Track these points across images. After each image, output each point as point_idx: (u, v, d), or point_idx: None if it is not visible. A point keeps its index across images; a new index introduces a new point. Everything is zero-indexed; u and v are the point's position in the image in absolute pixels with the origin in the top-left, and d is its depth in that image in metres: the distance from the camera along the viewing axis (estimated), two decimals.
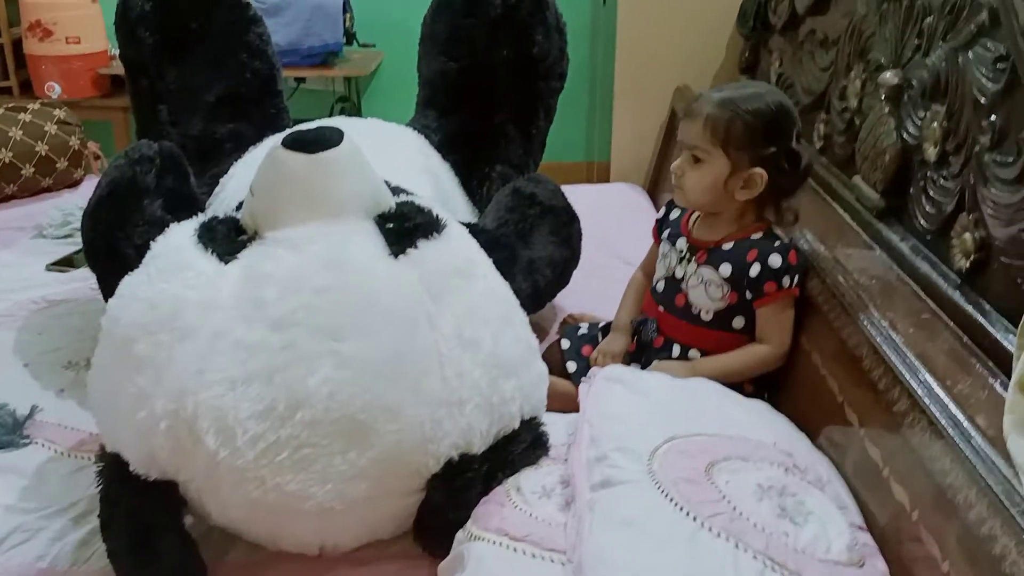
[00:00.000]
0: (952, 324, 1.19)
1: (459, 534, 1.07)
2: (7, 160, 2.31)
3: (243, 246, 1.09)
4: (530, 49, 1.71)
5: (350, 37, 3.34)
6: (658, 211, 1.67)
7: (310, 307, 1.01)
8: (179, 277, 1.04)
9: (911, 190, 1.41)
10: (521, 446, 1.15)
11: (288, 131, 1.16)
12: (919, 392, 1.04)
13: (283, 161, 1.09)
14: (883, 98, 1.47)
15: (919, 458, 1.00)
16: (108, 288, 1.16)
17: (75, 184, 2.48)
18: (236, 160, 1.70)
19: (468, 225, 1.31)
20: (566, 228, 1.58)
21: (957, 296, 1.21)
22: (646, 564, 0.93)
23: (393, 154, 1.59)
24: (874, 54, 1.59)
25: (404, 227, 1.11)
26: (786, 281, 1.35)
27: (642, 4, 2.44)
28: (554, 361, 1.54)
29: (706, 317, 1.41)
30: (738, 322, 1.40)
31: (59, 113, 2.45)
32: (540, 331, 1.71)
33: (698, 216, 1.47)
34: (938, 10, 1.35)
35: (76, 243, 2.01)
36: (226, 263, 1.06)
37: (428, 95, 1.83)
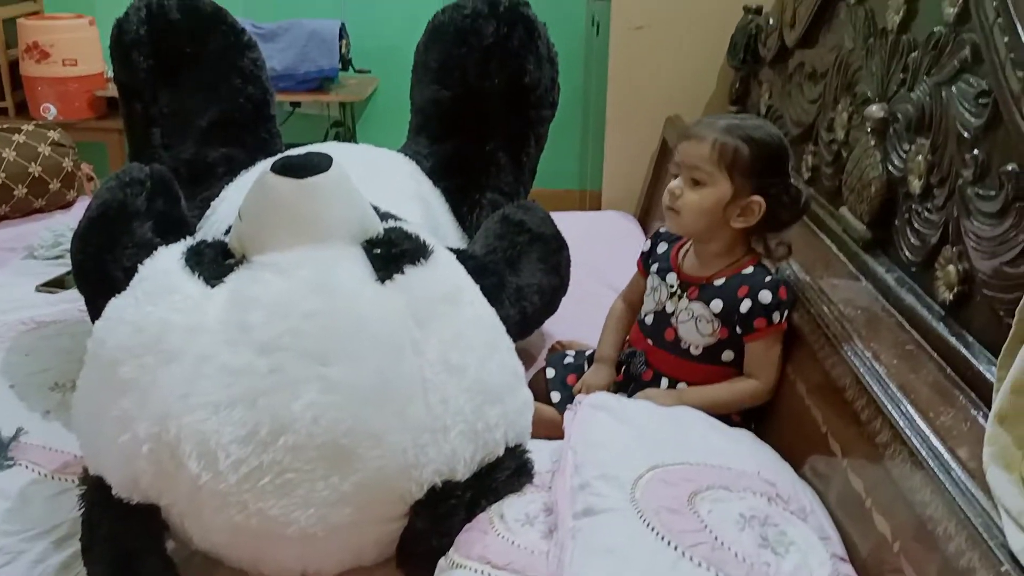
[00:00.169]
0: (936, 356, 1.20)
1: (441, 561, 1.07)
2: (0, 181, 2.32)
3: (230, 270, 1.09)
4: (521, 78, 1.72)
5: (346, 63, 3.38)
6: (649, 237, 1.67)
7: (297, 332, 1.01)
8: (166, 300, 1.05)
9: (896, 222, 1.42)
10: (505, 473, 1.15)
11: (278, 156, 1.17)
12: (900, 423, 1.04)
13: (271, 186, 1.10)
14: (869, 131, 1.49)
15: (900, 490, 1.00)
16: (96, 310, 1.16)
17: (67, 205, 2.49)
18: (228, 184, 1.71)
19: (457, 251, 1.32)
20: (555, 256, 1.59)
21: (941, 328, 1.22)
22: None
23: (384, 180, 1.60)
24: (860, 88, 1.61)
25: (391, 253, 1.12)
26: (776, 317, 1.36)
27: (634, 35, 2.47)
28: (540, 388, 1.55)
29: (695, 352, 1.42)
30: (727, 355, 1.41)
31: (53, 135, 2.46)
32: (528, 358, 1.71)
33: (687, 250, 1.47)
34: (922, 46, 1.38)
35: (67, 264, 2.01)
36: (213, 287, 1.07)
37: (420, 122, 1.84)
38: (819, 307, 1.34)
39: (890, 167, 1.44)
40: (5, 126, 2.47)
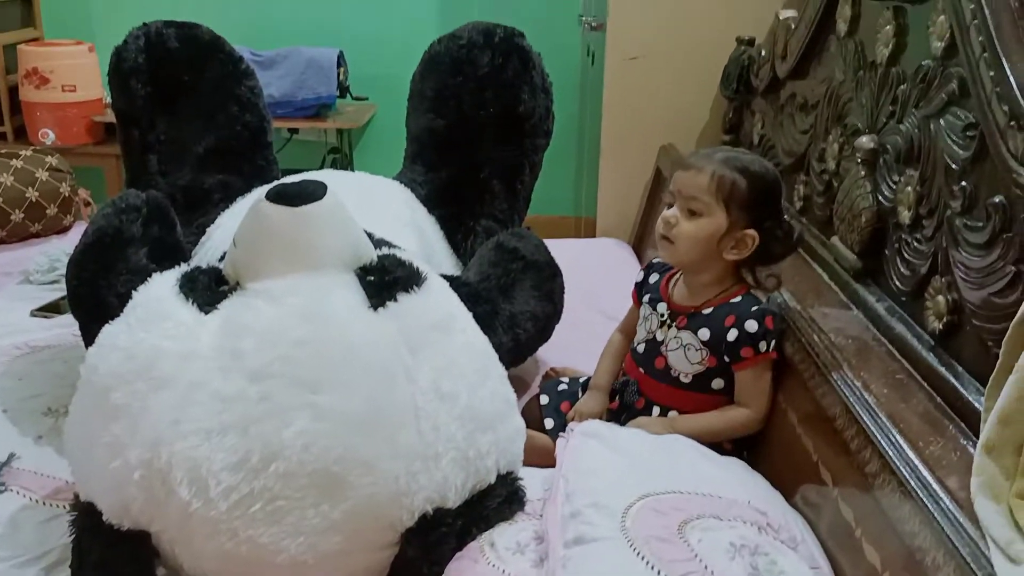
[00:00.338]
0: (926, 385, 1.21)
1: None
2: None
3: (224, 297, 1.10)
4: (516, 108, 1.74)
5: (344, 90, 3.41)
6: (643, 267, 1.69)
7: (287, 359, 1.02)
8: (158, 327, 1.05)
9: (887, 252, 1.43)
10: (496, 501, 1.15)
11: (273, 183, 1.18)
12: (890, 453, 1.05)
13: (266, 214, 1.11)
14: (859, 162, 1.50)
15: (890, 520, 1.00)
16: (90, 336, 1.17)
17: (64, 230, 2.50)
18: (224, 210, 1.72)
19: (450, 278, 1.32)
20: (548, 283, 1.59)
21: (931, 358, 1.23)
22: None
23: (379, 207, 1.61)
24: (851, 119, 1.63)
25: (384, 280, 1.13)
26: (763, 346, 1.36)
27: (628, 65, 2.49)
28: (534, 416, 1.55)
29: (685, 380, 1.42)
30: (717, 383, 1.41)
31: (51, 160, 2.47)
32: (522, 384, 1.72)
33: (677, 280, 1.48)
34: (911, 79, 1.39)
35: (62, 289, 2.02)
36: (206, 313, 1.07)
37: (415, 150, 1.86)
38: (810, 336, 1.34)
39: (880, 198, 1.45)
40: (3, 151, 2.49)
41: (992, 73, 1.13)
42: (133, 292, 1.14)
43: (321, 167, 3.47)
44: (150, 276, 1.17)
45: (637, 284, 1.57)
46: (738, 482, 1.19)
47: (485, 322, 1.28)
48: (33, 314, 1.97)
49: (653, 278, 1.53)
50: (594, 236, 2.71)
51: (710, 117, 2.52)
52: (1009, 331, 0.95)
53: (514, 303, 1.50)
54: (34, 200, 2.39)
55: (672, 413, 1.43)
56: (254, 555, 1.01)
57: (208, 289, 1.11)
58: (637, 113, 2.53)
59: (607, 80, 2.53)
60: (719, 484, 1.15)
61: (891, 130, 1.45)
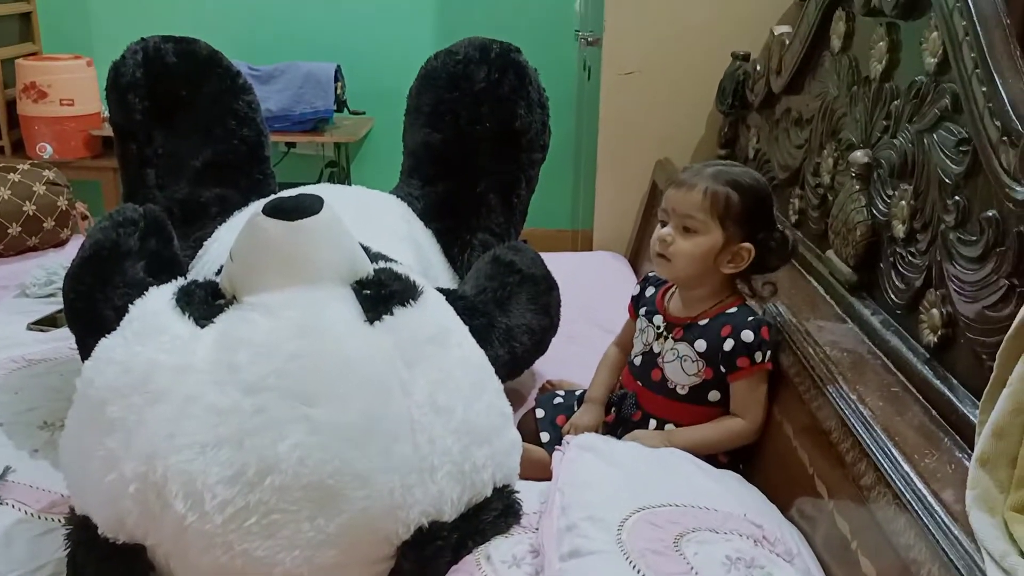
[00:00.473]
0: (921, 398, 1.21)
1: None
2: None
3: (220, 310, 1.10)
4: (512, 123, 1.75)
5: (341, 104, 3.42)
6: (638, 281, 1.69)
7: (282, 372, 1.02)
8: (154, 340, 1.05)
9: (881, 265, 1.44)
10: (492, 514, 1.15)
11: (270, 197, 1.18)
12: (885, 466, 1.05)
13: (262, 228, 1.11)
14: (854, 176, 1.51)
15: (885, 532, 1.00)
16: (87, 349, 1.17)
17: (61, 244, 2.50)
18: (221, 224, 1.72)
19: (447, 292, 1.33)
20: (544, 296, 1.60)
21: (926, 371, 1.23)
22: None
23: (376, 221, 1.61)
24: (845, 134, 1.64)
25: (381, 294, 1.13)
26: (758, 356, 1.37)
27: (624, 80, 2.51)
28: (530, 429, 1.55)
29: (682, 392, 1.42)
30: (713, 395, 1.41)
31: (48, 174, 2.48)
32: (518, 397, 1.72)
33: (673, 292, 1.49)
34: (904, 94, 1.40)
35: (59, 303, 2.01)
36: (202, 327, 1.07)
37: (412, 164, 1.86)
38: (805, 349, 1.35)
39: (875, 211, 1.46)
40: (1, 165, 2.49)
41: (984, 89, 1.14)
42: (130, 305, 1.14)
43: (318, 181, 3.48)
44: (147, 290, 1.17)
45: (633, 297, 1.57)
46: (734, 495, 1.19)
47: (481, 335, 1.29)
48: (29, 327, 1.96)
49: (649, 291, 1.54)
50: (591, 249, 2.72)
51: (706, 131, 2.53)
52: (1003, 344, 0.95)
53: (510, 316, 1.50)
54: (31, 214, 2.40)
55: (669, 426, 1.43)
56: (249, 568, 1.01)
57: (204, 303, 1.11)
58: (633, 127, 2.55)
59: (603, 95, 2.55)
60: (715, 497, 1.15)
61: (885, 145, 1.46)
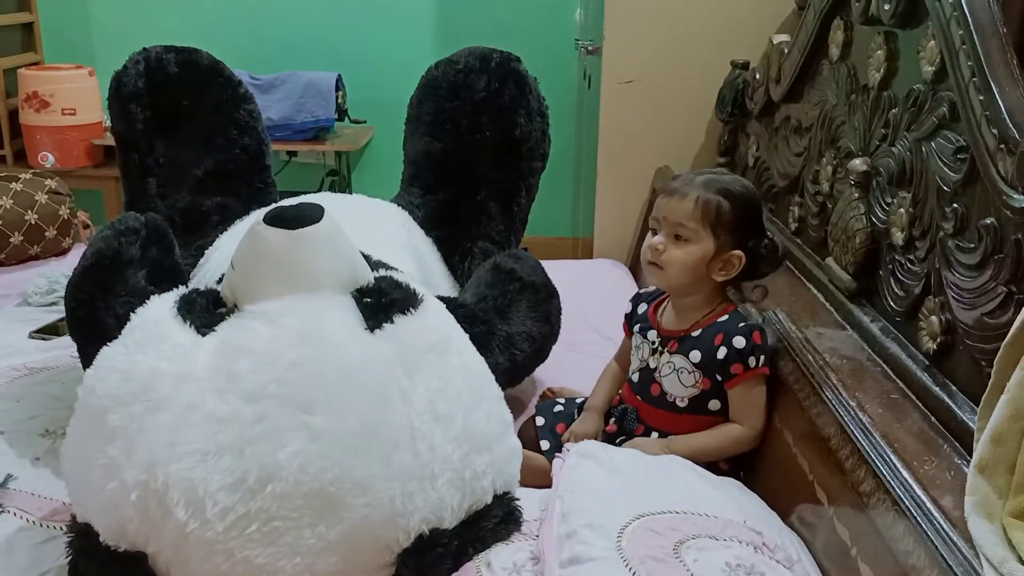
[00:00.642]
0: (920, 405, 1.22)
1: None
2: None
3: (221, 319, 1.10)
4: (512, 132, 1.75)
5: (342, 113, 3.43)
6: (639, 288, 1.70)
7: (283, 380, 1.03)
8: (155, 349, 1.06)
9: (880, 273, 1.44)
10: (493, 521, 1.15)
11: (271, 206, 1.19)
12: (884, 472, 1.05)
13: (263, 236, 1.12)
14: (853, 184, 1.51)
15: (884, 539, 1.01)
16: (88, 357, 1.17)
17: (63, 253, 2.51)
18: (222, 232, 1.73)
19: (447, 300, 1.33)
20: (545, 304, 1.60)
21: (925, 378, 1.23)
22: None
23: (377, 230, 1.62)
24: (844, 142, 1.65)
25: (381, 302, 1.14)
26: (752, 361, 1.37)
27: (624, 88, 2.52)
28: (530, 436, 1.55)
29: (682, 404, 1.43)
30: (713, 404, 1.42)
31: (50, 183, 2.49)
32: (519, 405, 1.72)
33: (665, 306, 1.49)
34: (902, 102, 1.41)
35: (61, 311, 2.01)
36: (203, 335, 1.08)
37: (413, 173, 1.87)
38: (805, 356, 1.35)
39: (874, 219, 1.47)
40: (3, 174, 2.50)
41: (981, 97, 1.15)
42: (131, 314, 1.15)
43: (319, 189, 3.49)
44: (148, 298, 1.17)
45: (626, 315, 1.58)
46: (734, 502, 1.19)
47: (482, 343, 1.29)
48: (31, 336, 1.97)
49: (641, 308, 1.54)
50: (591, 257, 2.72)
51: (705, 139, 2.54)
52: (1000, 351, 0.96)
53: (511, 324, 1.50)
54: (33, 223, 2.41)
55: (672, 438, 1.43)
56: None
57: (206, 311, 1.12)
58: (633, 136, 2.55)
59: (603, 103, 2.55)
60: (715, 504, 1.16)
61: (883, 153, 1.46)
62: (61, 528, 1.25)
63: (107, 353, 1.10)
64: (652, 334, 1.47)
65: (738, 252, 1.39)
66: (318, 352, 1.05)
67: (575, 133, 3.31)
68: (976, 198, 1.18)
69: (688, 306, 1.44)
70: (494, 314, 1.49)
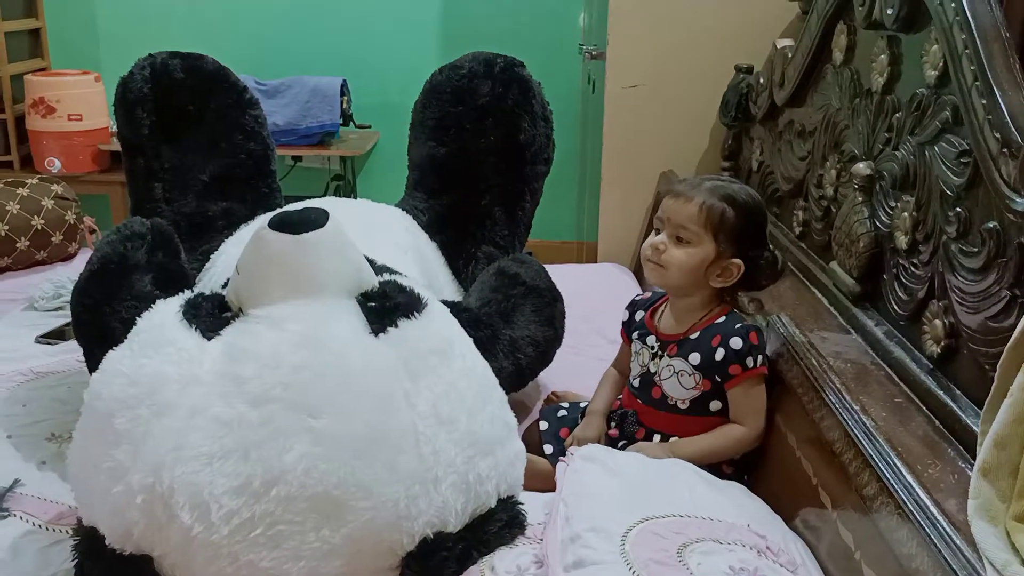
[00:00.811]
0: (924, 409, 1.22)
1: None
2: (2, 233, 2.35)
3: (227, 323, 1.11)
4: (516, 136, 1.76)
5: (347, 118, 3.44)
6: (643, 292, 1.70)
7: (287, 384, 1.03)
8: (161, 353, 1.06)
9: (884, 276, 1.45)
10: (497, 525, 1.15)
11: (276, 211, 1.19)
12: (887, 476, 1.05)
13: (268, 241, 1.12)
14: (856, 188, 1.52)
15: (888, 542, 1.00)
16: (94, 362, 1.18)
17: (69, 258, 2.52)
18: (228, 237, 1.74)
19: (451, 304, 1.34)
20: (549, 308, 1.60)
21: (929, 381, 1.23)
22: None
23: (381, 234, 1.62)
24: (848, 146, 1.65)
25: (385, 306, 1.14)
26: (750, 362, 1.37)
27: (628, 93, 2.52)
28: (534, 440, 1.56)
29: (682, 406, 1.43)
30: (714, 405, 1.42)
31: (57, 188, 2.50)
32: (523, 409, 1.72)
33: (662, 311, 1.50)
34: (905, 107, 1.41)
35: (67, 316, 2.02)
36: (209, 339, 1.08)
37: (417, 177, 1.88)
38: (809, 360, 1.35)
39: (877, 223, 1.47)
40: (10, 179, 2.51)
41: (984, 101, 1.15)
42: (137, 318, 1.15)
43: (324, 194, 3.50)
44: (154, 302, 1.18)
45: (624, 323, 1.58)
46: (737, 506, 1.19)
47: (486, 347, 1.29)
48: (38, 340, 1.98)
49: (639, 315, 1.55)
50: (595, 261, 2.73)
51: (709, 144, 2.55)
52: (1003, 355, 0.96)
53: (515, 328, 1.51)
54: (40, 228, 2.42)
55: (673, 439, 1.43)
56: None
57: (211, 315, 1.13)
58: (637, 140, 2.56)
59: (607, 108, 2.56)
60: (719, 508, 1.16)
61: (887, 157, 1.46)
62: (67, 531, 1.26)
63: (113, 357, 1.11)
64: (651, 339, 1.48)
65: (737, 261, 1.39)
66: (323, 356, 1.06)
67: (579, 137, 3.32)
68: (979, 202, 1.18)
69: (686, 308, 1.45)
70: (498, 318, 1.50)
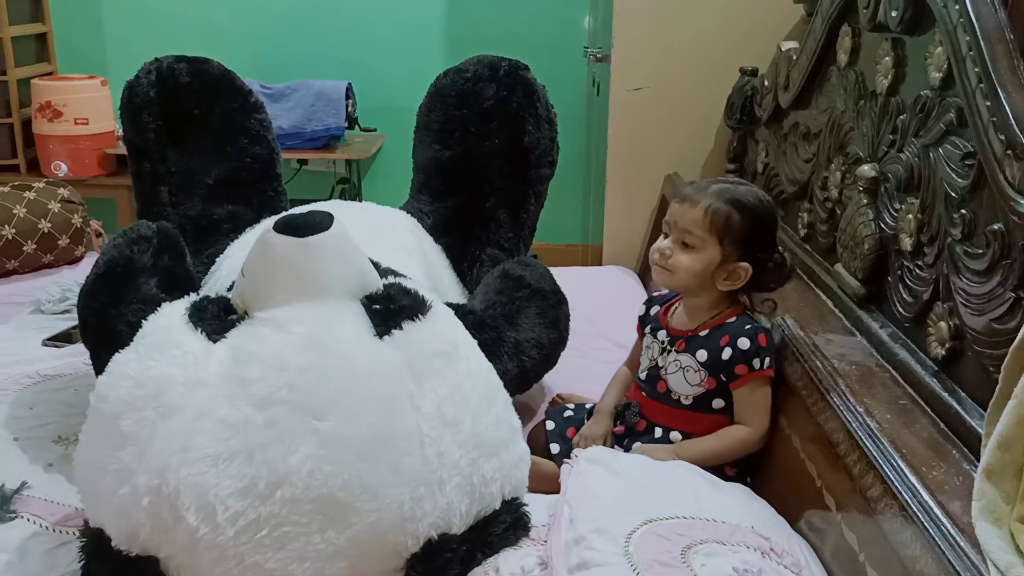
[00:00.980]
0: (929, 411, 1.22)
1: None
2: (9, 236, 2.36)
3: (232, 326, 1.11)
4: (521, 139, 1.76)
5: (352, 122, 3.45)
6: (648, 295, 1.71)
7: (292, 386, 1.03)
8: (167, 355, 1.07)
9: (889, 278, 1.44)
10: (501, 527, 1.15)
11: (281, 214, 1.20)
12: (891, 478, 1.05)
13: (273, 244, 1.13)
14: (861, 190, 1.52)
15: (892, 544, 1.00)
16: (101, 364, 1.19)
17: (75, 261, 2.53)
18: (233, 240, 1.74)
19: (456, 306, 1.34)
20: (553, 310, 1.61)
21: (934, 383, 1.23)
22: None
23: (385, 237, 1.63)
24: (852, 148, 1.65)
25: (390, 309, 1.14)
26: (757, 363, 1.38)
27: (633, 96, 2.52)
28: (540, 441, 1.56)
29: (686, 401, 1.43)
30: (717, 403, 1.42)
31: (63, 192, 2.51)
32: (528, 411, 1.73)
33: (676, 308, 1.50)
34: (910, 108, 1.41)
35: (73, 319, 2.03)
36: (215, 342, 1.09)
37: (422, 180, 1.88)
38: (813, 362, 1.35)
39: (882, 225, 1.47)
40: (17, 183, 2.52)
41: (988, 103, 1.15)
42: (143, 321, 1.16)
43: (330, 197, 3.51)
44: (160, 305, 1.18)
45: (640, 317, 1.59)
46: (742, 507, 1.20)
47: (490, 350, 1.30)
48: (44, 343, 1.99)
49: (654, 310, 1.56)
50: (600, 264, 2.73)
51: (714, 146, 2.55)
52: (1008, 356, 0.96)
53: (520, 331, 1.51)
54: (46, 231, 2.43)
55: (674, 434, 1.44)
56: None
57: (217, 318, 1.13)
58: (642, 142, 2.56)
59: (612, 110, 2.56)
60: (722, 509, 1.16)
61: (892, 159, 1.46)
62: (74, 533, 1.26)
63: (119, 360, 1.11)
64: (662, 334, 1.48)
65: (745, 264, 1.39)
66: (327, 358, 1.06)
67: (584, 140, 3.32)
68: (984, 204, 1.18)
69: (698, 306, 1.45)
70: (503, 321, 1.50)
